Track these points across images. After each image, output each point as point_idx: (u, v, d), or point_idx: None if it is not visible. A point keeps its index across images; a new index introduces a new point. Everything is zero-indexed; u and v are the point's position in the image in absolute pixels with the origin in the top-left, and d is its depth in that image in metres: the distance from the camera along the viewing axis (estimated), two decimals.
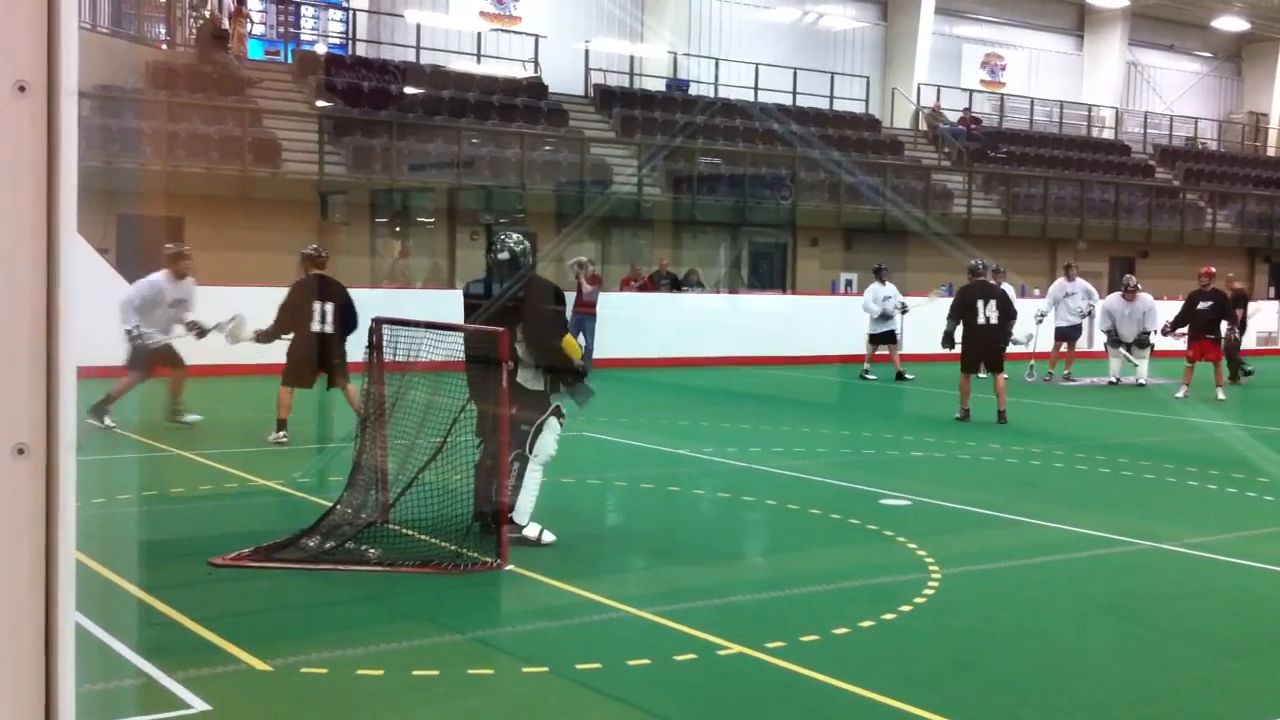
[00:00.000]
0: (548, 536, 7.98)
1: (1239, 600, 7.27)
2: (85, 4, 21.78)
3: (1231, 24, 41.66)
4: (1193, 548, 8.50)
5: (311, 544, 7.60)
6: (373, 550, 7.54)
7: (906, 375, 19.98)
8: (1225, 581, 7.73)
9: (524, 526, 7.91)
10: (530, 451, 8.02)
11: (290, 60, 27.23)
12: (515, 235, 8.43)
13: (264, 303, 12.69)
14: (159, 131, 21.17)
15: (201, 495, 9.67)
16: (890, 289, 20.42)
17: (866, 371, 20.35)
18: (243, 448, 12.11)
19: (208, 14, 26.05)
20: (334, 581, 7.10)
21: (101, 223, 19.84)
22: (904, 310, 20.56)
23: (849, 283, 27.52)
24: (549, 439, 8.11)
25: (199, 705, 5.09)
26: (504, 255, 8.26)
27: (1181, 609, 7.06)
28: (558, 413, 8.20)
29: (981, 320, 15.00)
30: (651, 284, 24.21)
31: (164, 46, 25.64)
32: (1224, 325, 18.49)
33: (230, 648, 5.80)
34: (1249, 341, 20.75)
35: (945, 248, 25.48)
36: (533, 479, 8.02)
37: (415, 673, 5.58)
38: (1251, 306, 24.43)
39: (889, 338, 20.56)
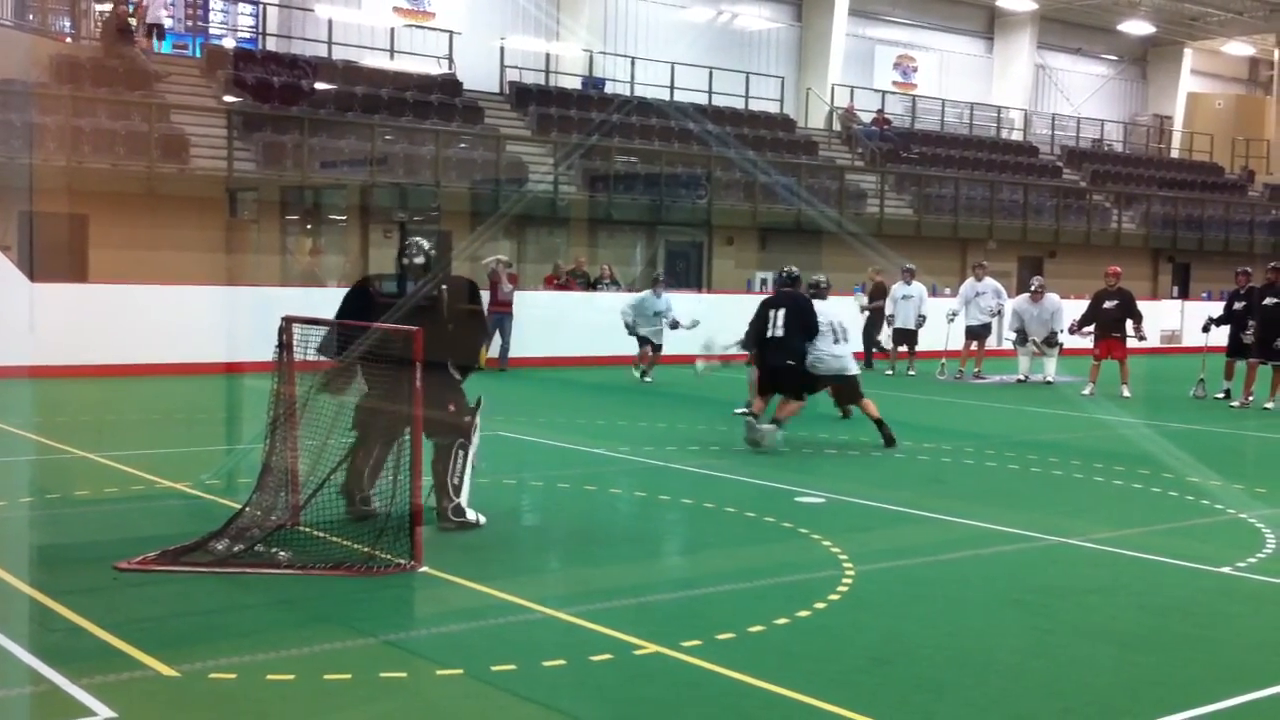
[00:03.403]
0: (482, 517, 8.42)
1: (1146, 594, 7.40)
2: None
3: (1137, 28, 42.52)
4: (1101, 543, 8.64)
5: (220, 547, 7.47)
6: (283, 553, 7.41)
7: (647, 378, 19.80)
8: (1133, 576, 7.85)
9: (466, 512, 8.31)
10: (471, 440, 8.37)
11: (199, 55, 26.77)
12: (425, 241, 8.78)
13: (168, 301, 12.42)
14: (63, 127, 20.71)
15: (107, 498, 9.46)
16: (664, 301, 20.00)
17: (645, 373, 19.98)
18: (150, 449, 11.88)
19: (112, 6, 25.50)
20: (243, 585, 6.97)
21: (1, 220, 19.37)
22: (674, 325, 19.97)
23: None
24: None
25: (104, 712, 4.97)
26: (419, 260, 8.65)
27: (1091, 603, 7.16)
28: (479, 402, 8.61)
29: (770, 334, 12.91)
30: (574, 283, 24.15)
31: (68, 40, 25.10)
32: (1129, 324, 18.81)
33: (137, 653, 5.68)
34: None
35: (859, 248, 25.72)
36: (468, 467, 8.38)
37: (327, 677, 5.50)
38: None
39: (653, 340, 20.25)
